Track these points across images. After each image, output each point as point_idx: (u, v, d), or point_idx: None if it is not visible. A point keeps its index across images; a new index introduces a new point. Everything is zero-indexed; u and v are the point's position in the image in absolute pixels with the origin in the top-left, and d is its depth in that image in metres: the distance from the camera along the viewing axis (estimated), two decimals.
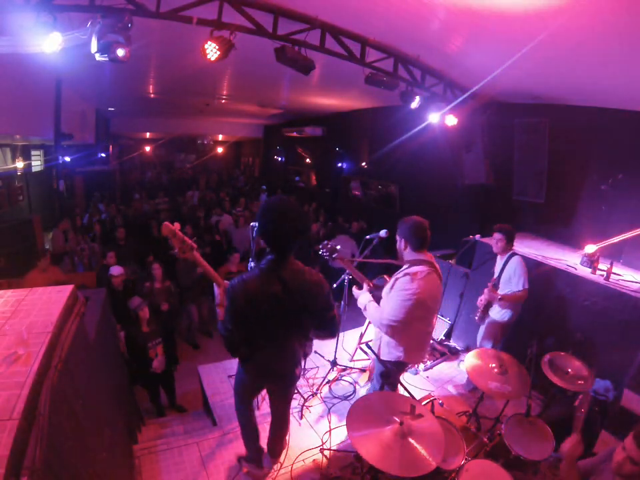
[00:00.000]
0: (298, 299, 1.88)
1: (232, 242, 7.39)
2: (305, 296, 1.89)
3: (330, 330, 2.08)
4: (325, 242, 2.83)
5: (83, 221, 7.91)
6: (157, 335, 3.62)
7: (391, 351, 2.52)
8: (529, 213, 5.23)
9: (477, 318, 3.65)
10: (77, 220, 7.64)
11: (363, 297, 2.59)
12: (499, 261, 3.53)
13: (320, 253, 2.80)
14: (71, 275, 5.22)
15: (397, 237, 2.47)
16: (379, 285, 2.69)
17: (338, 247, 2.76)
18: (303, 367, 2.46)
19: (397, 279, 2.39)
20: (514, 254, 3.43)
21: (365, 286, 2.68)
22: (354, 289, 2.72)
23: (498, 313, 3.48)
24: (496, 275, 3.50)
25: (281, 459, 2.72)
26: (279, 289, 1.84)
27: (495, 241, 3.47)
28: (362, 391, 3.54)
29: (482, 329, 3.68)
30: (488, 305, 3.54)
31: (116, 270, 4.46)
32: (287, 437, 2.74)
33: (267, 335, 1.99)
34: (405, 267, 2.43)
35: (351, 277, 3.10)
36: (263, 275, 1.86)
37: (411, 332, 2.40)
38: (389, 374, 2.58)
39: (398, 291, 2.32)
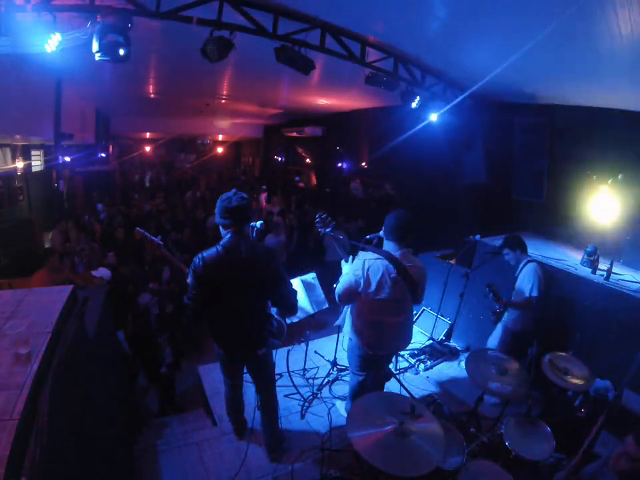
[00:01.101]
0: (252, 267, 2.19)
1: None
2: (258, 262, 2.19)
3: (286, 303, 2.37)
4: (322, 213, 2.90)
5: (83, 221, 7.91)
6: (164, 331, 3.67)
7: (348, 327, 2.69)
8: (529, 213, 5.23)
9: (492, 320, 3.57)
10: (76, 220, 7.63)
11: (345, 267, 2.73)
12: (518, 269, 3.46)
13: (315, 223, 2.89)
14: (79, 275, 5.20)
15: (383, 227, 2.60)
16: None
17: (333, 223, 2.84)
18: (296, 367, 2.62)
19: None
20: (530, 261, 3.37)
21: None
22: (342, 262, 2.83)
23: (508, 319, 3.42)
24: (516, 281, 3.44)
25: (281, 457, 2.72)
26: (236, 259, 2.16)
27: (505, 256, 3.47)
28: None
29: (494, 333, 3.62)
30: (503, 309, 3.44)
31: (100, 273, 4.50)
32: (279, 431, 2.79)
33: (225, 304, 2.25)
34: None
35: None
36: (221, 251, 2.16)
37: (361, 311, 2.57)
38: (360, 362, 2.67)
39: (350, 266, 2.60)
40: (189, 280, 2.21)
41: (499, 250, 3.50)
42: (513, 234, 3.59)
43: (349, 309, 2.73)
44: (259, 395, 2.68)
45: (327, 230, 2.80)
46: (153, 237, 2.45)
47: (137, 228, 2.47)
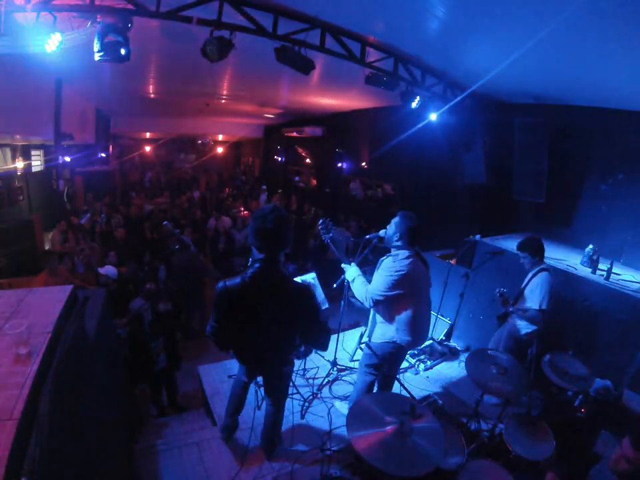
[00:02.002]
0: (279, 303, 1.99)
1: (234, 243, 7.39)
2: (286, 299, 2.00)
3: (315, 343, 2.22)
4: (326, 219, 2.95)
5: (82, 221, 7.91)
6: (158, 336, 3.64)
7: (385, 332, 2.68)
8: (529, 213, 5.23)
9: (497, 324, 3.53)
10: (76, 220, 7.64)
11: (351, 270, 2.77)
12: (530, 273, 3.37)
13: (319, 227, 2.94)
14: (80, 275, 5.21)
15: (393, 226, 2.63)
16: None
17: (333, 226, 2.92)
18: (296, 367, 2.63)
19: (382, 261, 2.65)
20: (543, 269, 3.24)
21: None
22: (343, 264, 2.88)
23: (513, 326, 3.35)
24: (523, 284, 3.36)
25: (278, 458, 2.71)
26: (263, 291, 1.97)
27: (521, 259, 3.38)
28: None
29: (497, 333, 3.58)
30: (508, 312, 3.37)
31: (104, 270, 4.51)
32: (278, 435, 2.77)
33: (250, 335, 2.12)
34: (391, 252, 2.66)
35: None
36: (248, 281, 1.97)
37: (399, 311, 2.60)
38: (379, 365, 2.71)
39: (382, 269, 2.59)
40: (213, 307, 2.06)
41: (517, 250, 3.38)
42: (533, 237, 3.43)
43: (377, 317, 2.75)
44: (270, 407, 2.62)
45: (330, 235, 2.86)
46: (180, 236, 2.38)
47: (165, 222, 2.41)
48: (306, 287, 2.13)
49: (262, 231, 1.90)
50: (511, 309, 3.30)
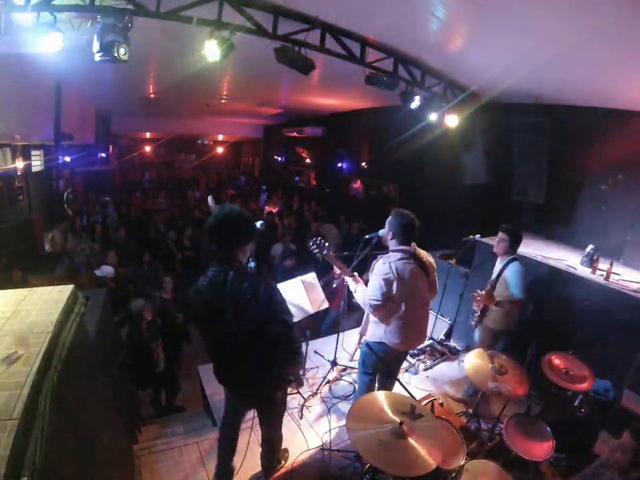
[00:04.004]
0: (236, 305, 1.79)
1: None
2: (242, 299, 1.80)
3: (283, 344, 1.89)
4: (315, 238, 2.90)
5: (82, 221, 7.91)
6: (157, 336, 3.64)
7: (375, 332, 2.68)
8: (529, 213, 5.23)
9: (473, 323, 3.51)
10: (76, 220, 7.63)
11: (352, 282, 2.77)
12: (498, 264, 3.37)
13: (311, 248, 2.88)
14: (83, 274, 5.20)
15: (387, 226, 2.62)
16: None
17: (327, 244, 2.86)
18: (286, 391, 2.37)
19: (374, 264, 2.64)
20: (514, 259, 3.24)
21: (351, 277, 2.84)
22: (346, 276, 2.85)
23: (492, 319, 3.33)
24: (493, 276, 3.35)
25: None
26: (218, 295, 1.82)
27: (498, 240, 3.31)
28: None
29: (476, 333, 3.57)
30: (485, 309, 3.34)
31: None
32: (278, 456, 2.66)
33: (219, 347, 2.00)
34: (384, 254, 2.63)
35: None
36: (204, 286, 1.85)
37: (393, 314, 2.57)
38: (373, 364, 2.71)
39: (375, 273, 2.56)
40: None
41: (501, 230, 3.30)
42: (516, 227, 3.38)
43: (370, 316, 2.73)
44: (266, 433, 2.48)
45: (324, 253, 2.83)
46: None
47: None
48: (259, 280, 1.88)
49: (210, 228, 1.84)
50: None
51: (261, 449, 2.63)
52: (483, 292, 3.19)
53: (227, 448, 2.48)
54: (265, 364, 1.95)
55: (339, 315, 3.87)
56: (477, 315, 3.41)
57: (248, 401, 2.29)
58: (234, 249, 1.88)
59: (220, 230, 1.83)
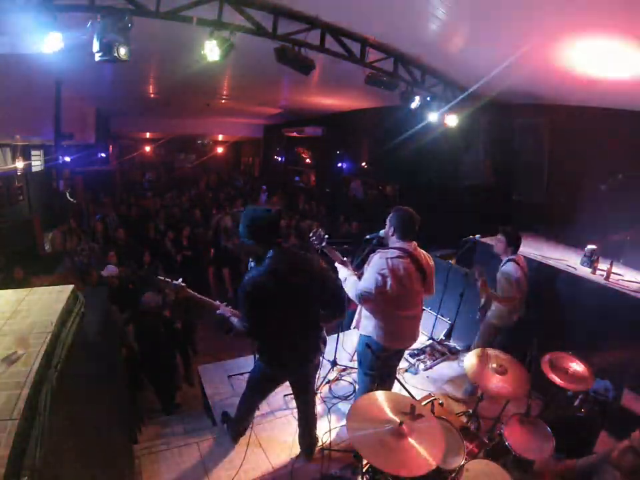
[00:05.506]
0: (304, 278, 2.10)
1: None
2: (309, 272, 2.13)
3: (337, 302, 2.26)
4: (315, 230, 2.91)
5: (82, 221, 7.91)
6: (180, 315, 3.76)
7: (366, 325, 2.70)
8: (529, 213, 5.23)
9: (477, 317, 3.59)
10: (76, 220, 7.63)
11: (343, 270, 2.76)
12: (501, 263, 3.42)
13: (311, 238, 2.89)
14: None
15: (387, 222, 2.64)
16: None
17: (326, 236, 2.87)
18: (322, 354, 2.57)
19: (372, 257, 2.64)
20: (510, 260, 3.29)
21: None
22: (336, 263, 2.86)
23: (496, 315, 3.40)
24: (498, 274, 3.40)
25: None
26: (287, 275, 2.06)
27: (496, 241, 3.41)
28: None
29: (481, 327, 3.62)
30: (487, 303, 3.45)
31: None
32: (316, 431, 2.81)
33: (281, 321, 2.18)
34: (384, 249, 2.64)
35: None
36: (269, 270, 2.05)
37: (384, 309, 2.58)
38: (370, 360, 2.69)
39: (371, 266, 2.58)
40: (240, 306, 2.14)
41: (499, 230, 3.39)
42: (515, 229, 3.44)
43: (363, 309, 2.74)
44: (302, 400, 2.63)
45: (323, 244, 2.83)
46: (170, 281, 2.44)
47: (159, 277, 2.50)
48: (307, 255, 2.22)
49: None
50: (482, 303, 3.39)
51: (298, 431, 2.75)
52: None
53: (250, 420, 2.78)
54: (321, 334, 2.36)
55: None
56: (481, 308, 3.48)
57: (294, 372, 2.46)
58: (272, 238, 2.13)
59: (256, 227, 2.09)
